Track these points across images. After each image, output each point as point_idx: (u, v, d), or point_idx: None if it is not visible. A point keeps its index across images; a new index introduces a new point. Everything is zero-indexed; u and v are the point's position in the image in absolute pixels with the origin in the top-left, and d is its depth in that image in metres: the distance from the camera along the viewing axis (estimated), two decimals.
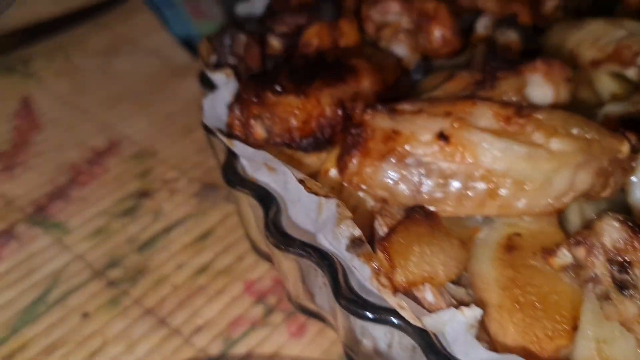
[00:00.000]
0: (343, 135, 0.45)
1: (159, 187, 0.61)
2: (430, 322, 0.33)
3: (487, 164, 0.39)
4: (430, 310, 0.36)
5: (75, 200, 0.59)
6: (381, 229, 0.40)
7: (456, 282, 0.38)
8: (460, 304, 0.37)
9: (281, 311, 0.50)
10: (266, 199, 0.41)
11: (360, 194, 0.42)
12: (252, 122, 0.43)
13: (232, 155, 0.43)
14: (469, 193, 0.40)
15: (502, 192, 0.39)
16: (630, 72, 0.54)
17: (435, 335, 0.33)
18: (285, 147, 0.45)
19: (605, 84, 0.54)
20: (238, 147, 0.42)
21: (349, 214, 0.38)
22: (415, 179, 0.40)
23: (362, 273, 0.35)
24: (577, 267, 0.36)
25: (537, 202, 0.40)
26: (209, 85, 0.49)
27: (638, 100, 0.48)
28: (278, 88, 0.44)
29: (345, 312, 0.35)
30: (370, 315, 0.35)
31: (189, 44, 0.79)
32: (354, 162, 0.41)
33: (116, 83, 0.74)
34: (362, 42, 0.55)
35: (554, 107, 0.46)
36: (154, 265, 0.53)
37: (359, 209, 0.45)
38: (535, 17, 0.64)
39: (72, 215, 0.57)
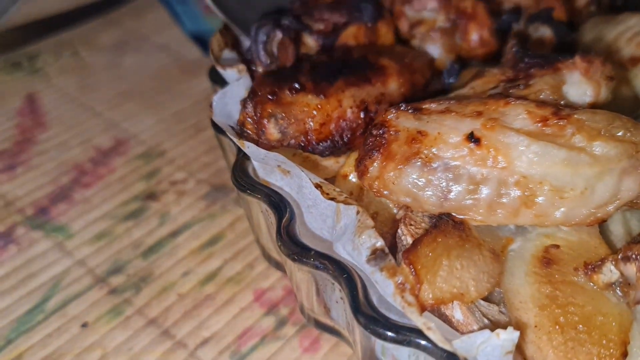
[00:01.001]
0: (364, 137, 0.42)
1: (166, 189, 0.58)
2: (461, 345, 0.30)
3: (522, 168, 0.36)
4: (459, 330, 0.33)
5: (78, 202, 0.56)
6: (405, 238, 0.37)
7: (488, 298, 0.35)
8: (493, 323, 0.33)
9: (293, 323, 0.47)
10: (279, 205, 0.38)
11: (382, 199, 0.39)
12: (266, 121, 0.40)
13: (242, 157, 0.40)
14: (502, 200, 0.36)
15: (539, 200, 0.36)
16: None
17: (466, 359, 0.30)
18: (300, 150, 0.42)
19: None
20: (250, 148, 0.39)
21: (371, 222, 0.35)
22: (443, 184, 0.37)
23: (384, 288, 0.32)
24: (625, 285, 0.33)
25: (577, 212, 0.36)
26: (219, 82, 0.46)
27: None
28: (297, 86, 0.41)
29: (364, 330, 0.32)
30: (392, 335, 0.31)
31: (200, 40, 0.77)
32: (376, 165, 0.38)
33: (124, 80, 0.72)
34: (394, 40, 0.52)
35: (594, 106, 0.42)
36: (159, 272, 0.50)
37: (380, 215, 0.41)
38: (568, 6, 0.61)
39: (74, 218, 0.55)
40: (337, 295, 0.39)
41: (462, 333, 0.32)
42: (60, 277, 0.50)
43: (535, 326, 0.33)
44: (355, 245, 0.34)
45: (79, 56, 0.76)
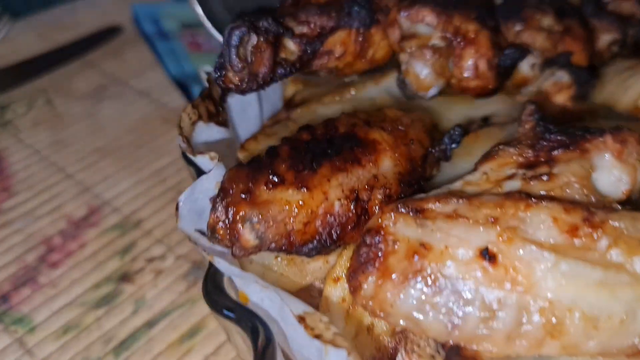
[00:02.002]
0: (355, 236, 0.36)
1: (142, 267, 0.53)
2: None
3: (547, 292, 0.30)
4: None
5: (43, 286, 0.51)
6: None
7: None
8: None
9: None
10: (257, 331, 0.32)
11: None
12: (240, 226, 0.34)
13: (215, 268, 0.35)
14: (523, 329, 0.30)
15: (567, 329, 0.30)
16: None
17: None
18: (282, 253, 0.36)
19: None
20: (221, 264, 0.33)
21: None
22: (451, 309, 0.31)
23: None
24: None
25: (615, 342, 0.30)
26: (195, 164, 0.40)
27: None
28: (274, 179, 0.35)
29: None
30: None
31: (183, 86, 0.71)
32: (370, 282, 0.32)
33: (100, 134, 0.66)
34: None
35: (631, 197, 0.36)
36: None
37: (376, 327, 0.36)
38: (590, 49, 0.54)
39: (38, 306, 0.49)
40: None
41: None
42: None
43: None
44: None
45: (52, 105, 0.70)
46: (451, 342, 0.31)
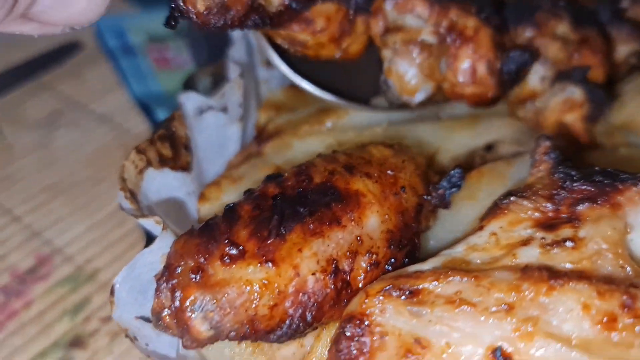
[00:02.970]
0: (335, 314, 0.30)
1: (96, 329, 0.46)
2: None
3: None
4: None
5: None
6: None
7: None
8: None
9: None
10: None
11: None
12: (189, 315, 0.27)
13: None
14: None
15: None
16: None
17: None
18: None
19: None
20: None
21: None
22: None
23: None
24: None
25: None
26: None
27: None
28: (232, 251, 0.28)
29: None
30: None
31: (147, 108, 0.64)
32: None
33: (53, 168, 0.60)
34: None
35: None
36: None
37: None
38: (609, 64, 0.48)
39: None
40: None
41: None
42: None
43: None
44: None
45: (2, 135, 0.63)
46: None
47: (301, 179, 0.33)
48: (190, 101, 0.42)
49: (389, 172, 0.35)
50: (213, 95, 0.43)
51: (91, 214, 0.55)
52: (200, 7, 0.32)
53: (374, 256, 0.31)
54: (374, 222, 0.32)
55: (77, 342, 0.45)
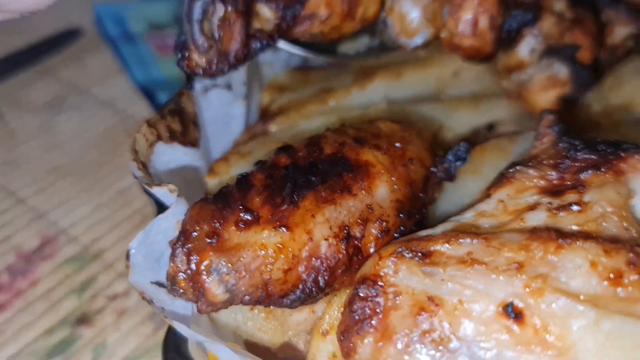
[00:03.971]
0: (347, 280, 0.31)
1: (103, 307, 0.47)
2: None
3: (587, 357, 0.24)
4: None
5: None
6: None
7: None
8: None
9: None
10: None
11: None
12: (205, 277, 0.28)
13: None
14: None
15: None
16: None
17: None
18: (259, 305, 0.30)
19: None
20: (183, 329, 0.27)
21: None
22: None
23: None
24: None
25: None
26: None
27: None
28: (247, 216, 0.29)
29: None
30: None
31: (150, 94, 0.65)
32: (367, 345, 0.27)
33: (57, 151, 0.60)
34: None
35: None
36: None
37: None
38: (598, 48, 0.49)
39: None
40: None
41: None
42: None
43: None
44: None
45: (4, 120, 0.64)
46: None
47: (312, 150, 0.33)
48: (196, 79, 0.42)
49: (397, 144, 0.35)
50: None
51: (95, 196, 0.55)
52: (202, 63, 0.34)
53: (384, 224, 0.32)
54: (383, 191, 0.33)
55: (83, 319, 0.46)
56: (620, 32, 0.50)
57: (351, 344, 0.27)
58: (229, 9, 0.33)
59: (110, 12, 0.76)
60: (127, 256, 0.30)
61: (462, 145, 0.37)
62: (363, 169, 0.33)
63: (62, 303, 0.47)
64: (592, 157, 0.31)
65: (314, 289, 0.30)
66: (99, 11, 0.76)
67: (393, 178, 0.33)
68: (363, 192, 0.32)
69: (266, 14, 0.36)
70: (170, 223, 0.31)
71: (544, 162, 0.32)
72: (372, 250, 0.31)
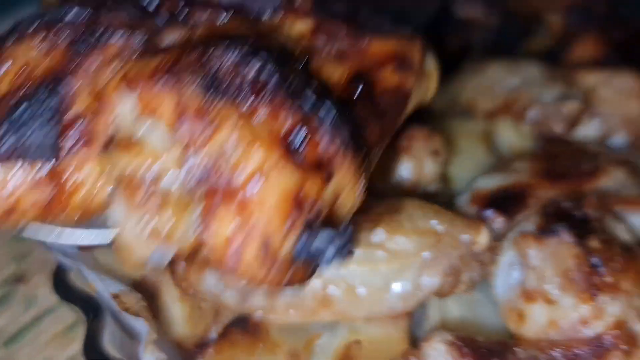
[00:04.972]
0: None
1: (38, 270, 0.58)
2: None
3: None
4: None
5: None
6: None
7: None
8: None
9: None
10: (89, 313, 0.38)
11: None
12: None
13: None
14: (298, 301, 0.37)
15: (335, 299, 0.36)
16: (525, 129, 0.50)
17: None
18: None
19: (505, 139, 0.50)
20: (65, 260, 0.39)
21: (154, 336, 0.35)
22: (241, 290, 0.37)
23: None
24: None
25: (376, 308, 0.37)
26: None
27: (516, 169, 0.44)
28: None
29: None
30: None
31: None
32: (180, 268, 0.39)
33: None
34: None
35: (417, 184, 0.43)
36: None
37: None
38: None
39: None
40: None
41: None
42: None
43: None
44: None
45: None
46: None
47: None
48: None
49: None
50: None
51: None
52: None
53: None
54: None
55: (20, 278, 0.58)
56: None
57: (173, 267, 0.39)
58: None
59: None
60: None
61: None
62: None
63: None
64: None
65: None
66: None
67: None
68: None
69: None
70: None
71: None
72: None
